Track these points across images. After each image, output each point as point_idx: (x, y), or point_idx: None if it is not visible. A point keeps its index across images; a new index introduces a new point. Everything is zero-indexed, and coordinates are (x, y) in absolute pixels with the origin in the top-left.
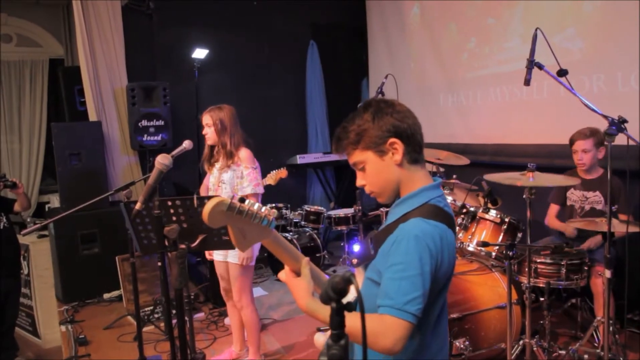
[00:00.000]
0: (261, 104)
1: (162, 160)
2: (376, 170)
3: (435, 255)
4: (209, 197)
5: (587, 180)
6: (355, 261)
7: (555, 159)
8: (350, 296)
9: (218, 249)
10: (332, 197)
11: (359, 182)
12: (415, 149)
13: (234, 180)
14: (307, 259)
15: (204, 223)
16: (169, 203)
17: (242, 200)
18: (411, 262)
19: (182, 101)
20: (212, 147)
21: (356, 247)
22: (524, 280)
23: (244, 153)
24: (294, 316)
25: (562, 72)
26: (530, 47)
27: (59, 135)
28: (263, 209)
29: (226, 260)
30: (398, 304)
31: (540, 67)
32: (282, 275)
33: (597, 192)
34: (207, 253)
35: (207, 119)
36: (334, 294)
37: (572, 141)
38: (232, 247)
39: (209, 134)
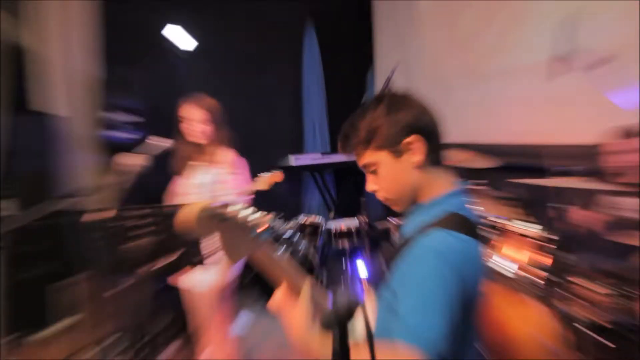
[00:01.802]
0: (250, 96)
1: (126, 161)
2: (391, 173)
3: (462, 275)
4: (183, 205)
5: None
6: (366, 282)
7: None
8: (358, 325)
9: (193, 267)
10: (331, 205)
11: (370, 186)
12: (436, 148)
13: (214, 185)
14: (309, 279)
15: (177, 238)
16: (131, 213)
17: (226, 205)
18: (432, 283)
19: (162, 93)
20: (192, 146)
21: (361, 267)
22: (576, 312)
23: (230, 154)
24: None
25: (607, 60)
26: (567, 32)
27: (11, 131)
28: (253, 215)
29: (196, 286)
30: (416, 337)
31: (581, 54)
32: (275, 300)
33: None
34: (176, 278)
35: (193, 110)
36: (338, 317)
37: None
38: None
39: (194, 128)
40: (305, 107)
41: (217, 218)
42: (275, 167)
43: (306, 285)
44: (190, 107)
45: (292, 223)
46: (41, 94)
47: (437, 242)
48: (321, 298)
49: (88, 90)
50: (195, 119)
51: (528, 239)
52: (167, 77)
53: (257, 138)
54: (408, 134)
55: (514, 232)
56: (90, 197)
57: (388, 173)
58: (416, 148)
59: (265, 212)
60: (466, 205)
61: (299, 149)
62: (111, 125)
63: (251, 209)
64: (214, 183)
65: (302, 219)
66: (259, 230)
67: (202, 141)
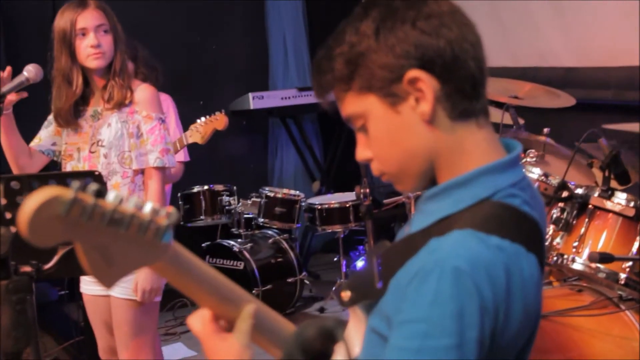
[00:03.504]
0: (185, 10)
1: None
2: (385, 130)
3: (494, 307)
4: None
5: None
6: (347, 295)
7: None
8: None
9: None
10: (315, 171)
11: (361, 153)
12: (463, 89)
13: (123, 140)
14: (252, 306)
15: None
16: (2, 186)
17: (99, 193)
18: (442, 320)
19: (23, 10)
20: (84, 78)
21: (361, 266)
22: None
23: (146, 91)
24: None
25: None
26: None
27: None
28: (146, 205)
29: (108, 294)
30: None
31: None
32: (194, 322)
33: None
34: (82, 281)
35: (96, 15)
36: (304, 355)
37: None
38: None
39: (104, 45)
40: (270, 22)
41: (76, 216)
42: (226, 113)
43: (245, 318)
44: (101, 10)
45: (252, 199)
46: None
47: (457, 253)
48: (277, 325)
49: None
50: (92, 26)
51: (616, 215)
52: None
53: (195, 70)
54: (410, 67)
55: (598, 207)
56: None
57: (380, 131)
58: (423, 91)
59: (202, 189)
60: (517, 186)
61: (261, 85)
62: None
63: (137, 199)
64: (122, 137)
65: (270, 192)
66: (161, 226)
67: (116, 67)
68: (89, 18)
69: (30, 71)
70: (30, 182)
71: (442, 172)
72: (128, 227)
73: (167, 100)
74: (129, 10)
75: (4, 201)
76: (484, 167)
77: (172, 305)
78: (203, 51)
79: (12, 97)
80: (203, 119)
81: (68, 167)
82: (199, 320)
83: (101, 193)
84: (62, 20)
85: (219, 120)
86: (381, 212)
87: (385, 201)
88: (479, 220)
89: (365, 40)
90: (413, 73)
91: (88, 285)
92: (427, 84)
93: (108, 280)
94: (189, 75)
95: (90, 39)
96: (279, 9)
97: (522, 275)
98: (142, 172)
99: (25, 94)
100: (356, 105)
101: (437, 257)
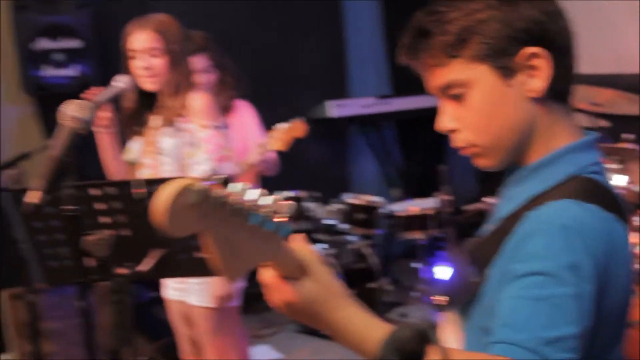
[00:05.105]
0: (261, 15)
1: (74, 111)
2: (490, 102)
3: (603, 263)
4: (162, 180)
5: None
6: (441, 299)
7: None
8: None
9: (187, 276)
10: (396, 178)
11: (446, 122)
12: (567, 73)
13: (180, 149)
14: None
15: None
16: (94, 191)
17: (226, 182)
18: (558, 271)
19: (115, 8)
20: (147, 96)
21: (443, 272)
22: None
23: (200, 100)
24: None
25: None
26: None
27: None
28: (267, 199)
29: (184, 300)
30: (531, 342)
31: None
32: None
33: None
34: (163, 285)
35: (147, 37)
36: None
37: None
38: (210, 273)
39: (154, 67)
40: (349, 29)
41: (206, 205)
42: (300, 117)
43: (317, 261)
44: (155, 31)
45: (333, 206)
46: None
47: (562, 214)
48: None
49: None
50: (141, 48)
51: None
52: None
53: (274, 77)
54: (529, 43)
55: None
56: (30, 169)
57: (485, 101)
58: (540, 67)
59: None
60: (597, 165)
61: (340, 92)
62: (38, 58)
63: (260, 191)
64: (179, 147)
65: (350, 199)
66: (276, 221)
67: (171, 85)
68: (140, 41)
69: (126, 82)
70: (126, 188)
71: (532, 149)
72: (253, 218)
73: (245, 107)
74: (207, 18)
75: (103, 206)
76: (572, 144)
77: (258, 307)
78: (279, 57)
79: (108, 114)
80: (282, 125)
81: (139, 175)
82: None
83: (227, 184)
84: (123, 37)
85: (298, 128)
86: (462, 219)
87: (466, 208)
88: (573, 192)
89: (488, 9)
90: (533, 49)
91: (168, 290)
92: (545, 61)
93: (233, 273)
94: (265, 82)
95: (141, 61)
96: (355, 13)
97: (620, 241)
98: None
99: (107, 115)
100: (462, 72)
101: (541, 219)
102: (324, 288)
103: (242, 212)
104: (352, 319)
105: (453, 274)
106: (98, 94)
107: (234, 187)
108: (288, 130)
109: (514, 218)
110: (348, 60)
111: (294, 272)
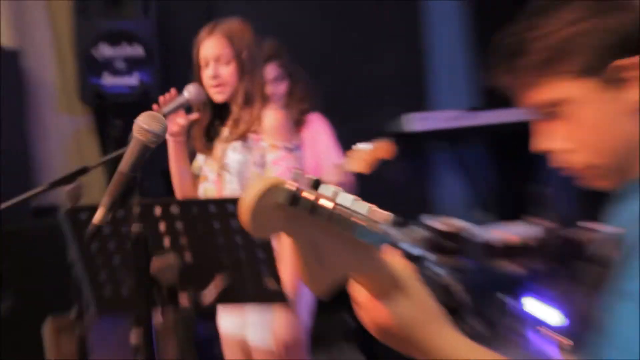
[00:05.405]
0: (333, 19)
1: (149, 124)
2: (604, 117)
3: None
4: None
5: None
6: (567, 342)
7: None
8: None
9: (254, 301)
10: (484, 200)
11: (547, 142)
12: None
13: (246, 167)
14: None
15: (226, 251)
16: (161, 210)
17: (317, 183)
18: None
19: (180, 10)
20: (217, 108)
21: (548, 312)
22: None
23: (273, 117)
24: None
25: None
26: None
27: None
28: (361, 205)
29: (243, 335)
30: None
31: None
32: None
33: None
34: (219, 315)
35: (215, 44)
36: None
37: None
38: (280, 298)
39: (222, 75)
40: (430, 30)
41: (295, 207)
42: (376, 133)
43: (412, 275)
44: (226, 38)
45: (414, 231)
46: None
47: None
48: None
49: (66, 9)
50: (209, 56)
51: None
52: None
53: (346, 88)
54: (629, 52)
55: None
56: (87, 186)
57: (599, 118)
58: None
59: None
60: None
61: (421, 104)
62: (98, 65)
63: (353, 196)
64: (246, 164)
65: (434, 223)
66: (370, 230)
67: (242, 96)
68: (209, 47)
69: (191, 91)
70: (190, 207)
71: (637, 163)
72: (344, 225)
73: (318, 121)
74: (275, 22)
75: (163, 226)
76: None
77: (327, 342)
78: (352, 65)
79: (182, 121)
80: (364, 145)
81: (201, 189)
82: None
83: (318, 186)
84: (195, 45)
85: (384, 149)
86: (566, 248)
87: (569, 234)
88: None
89: (587, 19)
90: (628, 60)
91: (224, 321)
92: None
93: (318, 285)
94: (338, 93)
95: (209, 70)
96: (438, 14)
97: None
98: None
99: (195, 116)
100: (562, 90)
101: None
102: (422, 309)
103: (333, 218)
104: (458, 346)
105: (571, 312)
106: (166, 104)
107: (326, 190)
108: (371, 151)
109: (627, 237)
110: (429, 68)
111: (387, 287)
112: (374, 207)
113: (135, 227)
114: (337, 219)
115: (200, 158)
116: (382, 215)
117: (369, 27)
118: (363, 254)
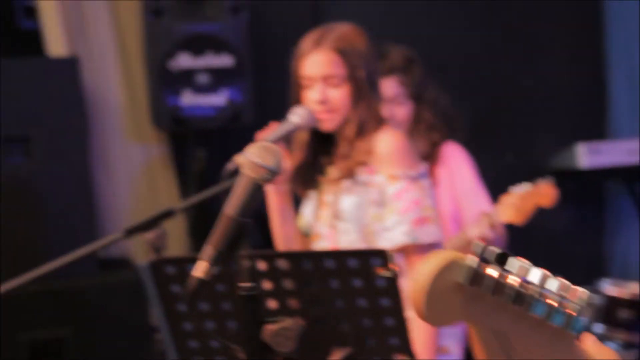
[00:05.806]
0: (478, 21)
1: (262, 158)
2: None
3: None
4: (378, 253)
5: None
6: None
7: None
8: None
9: None
10: None
11: None
12: None
13: (363, 210)
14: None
15: (346, 317)
16: (267, 265)
17: (503, 257)
18: None
19: (278, 9)
20: (323, 140)
21: None
22: None
23: (388, 142)
24: None
25: None
26: None
27: None
28: (554, 283)
29: None
30: None
31: None
32: None
33: None
34: None
35: (322, 60)
36: None
37: None
38: None
39: (332, 100)
40: (611, 37)
41: (479, 288)
42: (538, 170)
43: None
44: (308, 53)
45: (584, 298)
46: (42, 20)
47: None
48: None
49: (136, 10)
50: (315, 75)
51: None
52: None
53: (496, 110)
54: None
55: None
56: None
57: None
58: None
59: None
60: None
61: (595, 132)
62: (175, 81)
63: (543, 272)
64: (363, 206)
65: (610, 288)
66: (567, 314)
67: (354, 125)
68: (316, 65)
69: (302, 115)
70: (301, 261)
71: None
72: (537, 308)
73: (458, 154)
74: (398, 24)
75: (269, 285)
76: None
77: None
78: (504, 82)
79: (287, 163)
80: (520, 187)
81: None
82: None
83: (503, 260)
84: (293, 60)
85: (545, 193)
86: None
87: None
88: None
89: None
90: None
91: None
92: None
93: None
94: (488, 117)
95: (315, 93)
96: (621, 19)
97: None
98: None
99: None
100: None
101: None
102: None
103: (524, 299)
104: None
105: None
106: (269, 132)
107: (511, 265)
108: (529, 195)
109: None
110: (608, 86)
111: None
112: (567, 283)
113: (245, 285)
114: (526, 301)
115: (307, 212)
116: (578, 294)
117: (528, 33)
118: (556, 340)
